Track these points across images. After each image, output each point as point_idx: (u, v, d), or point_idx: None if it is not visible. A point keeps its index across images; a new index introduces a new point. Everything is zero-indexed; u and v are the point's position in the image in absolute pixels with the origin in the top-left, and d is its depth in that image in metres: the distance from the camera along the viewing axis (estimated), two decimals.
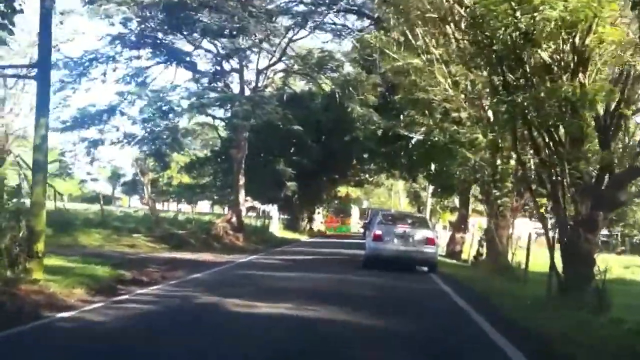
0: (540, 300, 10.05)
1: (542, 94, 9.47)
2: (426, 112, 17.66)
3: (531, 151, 13.07)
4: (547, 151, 10.58)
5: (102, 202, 22.18)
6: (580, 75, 9.72)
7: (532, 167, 12.23)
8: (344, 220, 41.39)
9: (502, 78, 9.95)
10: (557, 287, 10.15)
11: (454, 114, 15.39)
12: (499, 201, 16.23)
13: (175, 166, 46.52)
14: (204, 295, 8.70)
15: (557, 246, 10.40)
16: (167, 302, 8.03)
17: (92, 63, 21.67)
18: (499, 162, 16.17)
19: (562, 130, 10.31)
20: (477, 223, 32.52)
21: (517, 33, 9.29)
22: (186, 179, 51.07)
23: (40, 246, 8.03)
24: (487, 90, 13.76)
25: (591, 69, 9.74)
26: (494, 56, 10.03)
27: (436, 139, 18.50)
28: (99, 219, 21.05)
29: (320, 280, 11.91)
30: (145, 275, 11.13)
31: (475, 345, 6.52)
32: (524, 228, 20.12)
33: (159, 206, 62.85)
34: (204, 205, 67.01)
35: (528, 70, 10.02)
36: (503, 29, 9.42)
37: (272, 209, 38.35)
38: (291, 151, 32.20)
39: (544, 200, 12.09)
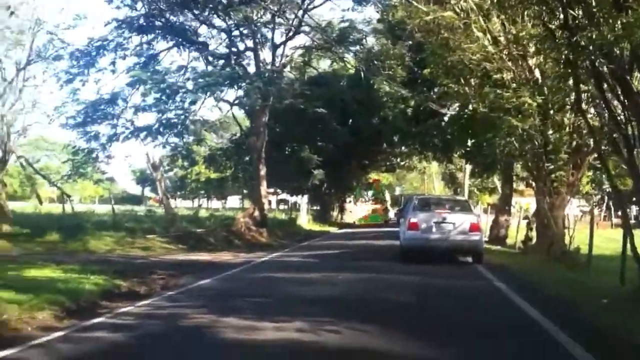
0: (619, 296, 8.23)
1: (615, 32, 7.30)
2: (461, 79, 15.42)
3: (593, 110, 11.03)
4: (619, 106, 8.45)
5: (112, 202, 20.70)
6: None
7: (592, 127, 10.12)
8: (375, 208, 38.96)
9: (562, 16, 7.82)
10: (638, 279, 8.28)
11: (495, 76, 13.21)
12: (552, 175, 13.94)
13: (202, 162, 45.31)
14: (198, 313, 6.95)
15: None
16: (146, 326, 6.27)
17: (99, 51, 20.23)
18: (550, 131, 13.88)
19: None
20: (517, 203, 30.07)
21: None
22: (214, 174, 49.69)
23: None
24: (534, 44, 11.54)
25: None
26: None
27: (473, 109, 16.22)
28: (112, 220, 19.68)
29: (346, 283, 10.01)
30: (144, 285, 9.70)
31: None
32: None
33: (188, 204, 62.18)
34: (234, 201, 65.79)
35: (593, 3, 7.86)
36: None
37: (302, 200, 36.64)
38: (316, 137, 30.21)
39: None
